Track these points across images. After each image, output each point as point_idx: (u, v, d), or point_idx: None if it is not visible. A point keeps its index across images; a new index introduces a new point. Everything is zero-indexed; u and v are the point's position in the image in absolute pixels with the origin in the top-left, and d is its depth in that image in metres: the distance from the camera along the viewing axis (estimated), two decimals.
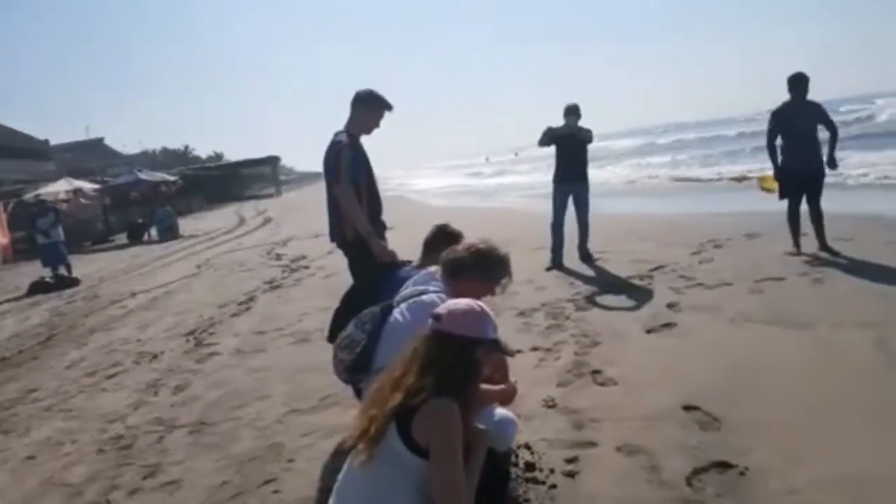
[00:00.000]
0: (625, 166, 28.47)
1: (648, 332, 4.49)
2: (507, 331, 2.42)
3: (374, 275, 3.35)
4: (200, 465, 3.31)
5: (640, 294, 5.48)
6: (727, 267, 5.98)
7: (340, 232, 3.92)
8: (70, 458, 3.68)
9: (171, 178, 27.95)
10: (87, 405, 4.59)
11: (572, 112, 6.99)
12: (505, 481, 2.43)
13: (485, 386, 2.25)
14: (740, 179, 15.48)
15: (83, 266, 13.99)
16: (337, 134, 3.92)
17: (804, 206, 6.23)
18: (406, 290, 2.70)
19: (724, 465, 2.61)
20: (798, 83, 6.13)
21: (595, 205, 7.39)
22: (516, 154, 62.63)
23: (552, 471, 2.71)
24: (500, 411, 2.34)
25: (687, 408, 3.16)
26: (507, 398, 2.43)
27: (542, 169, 26.24)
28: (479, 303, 2.01)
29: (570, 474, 2.69)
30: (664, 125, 79.05)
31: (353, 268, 3.97)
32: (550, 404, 3.41)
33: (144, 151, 67.58)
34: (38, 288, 11.36)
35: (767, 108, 6.77)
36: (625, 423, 3.10)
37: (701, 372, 3.62)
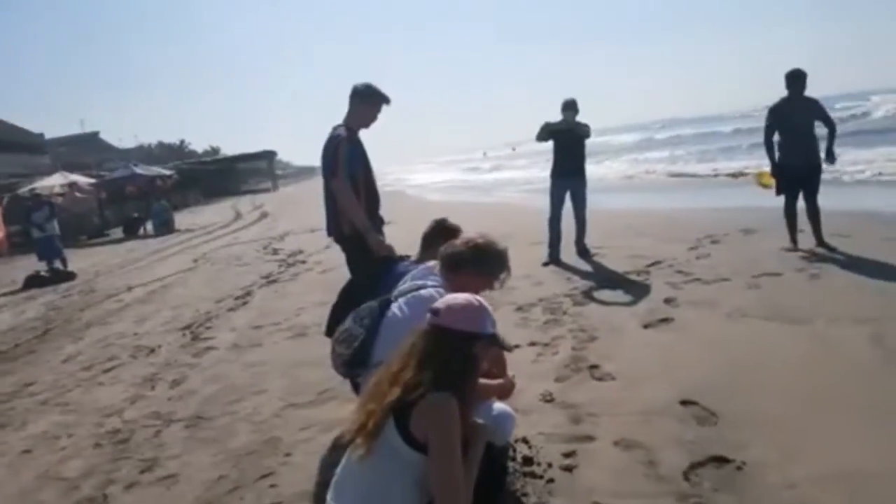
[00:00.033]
0: (622, 161, 28.50)
1: (646, 327, 4.49)
2: (504, 325, 2.42)
3: (372, 269, 3.34)
4: (197, 459, 3.30)
5: (637, 289, 5.49)
6: (724, 262, 5.99)
7: (338, 226, 3.91)
8: (66, 452, 3.67)
9: (167, 173, 27.88)
10: (84, 399, 4.58)
11: (570, 107, 6.97)
12: (503, 475, 2.43)
13: (483, 380, 2.25)
14: (736, 175, 15.50)
15: (79, 260, 13.95)
16: (335, 128, 3.90)
17: (801, 203, 6.24)
18: (404, 284, 2.69)
19: (721, 460, 2.62)
20: (796, 79, 6.13)
21: (592, 200, 7.39)
22: (513, 149, 62.64)
23: (550, 465, 2.71)
24: (499, 406, 2.34)
25: (684, 402, 3.17)
26: (505, 393, 2.43)
27: (539, 164, 26.22)
28: (478, 297, 2.01)
29: (568, 468, 2.69)
30: (661, 121, 79.05)
31: (351, 262, 3.96)
32: (548, 399, 3.41)
33: (140, 146, 67.27)
34: (33, 282, 11.33)
35: (764, 104, 6.78)
36: (622, 417, 3.11)
37: (698, 367, 3.63)
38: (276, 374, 4.48)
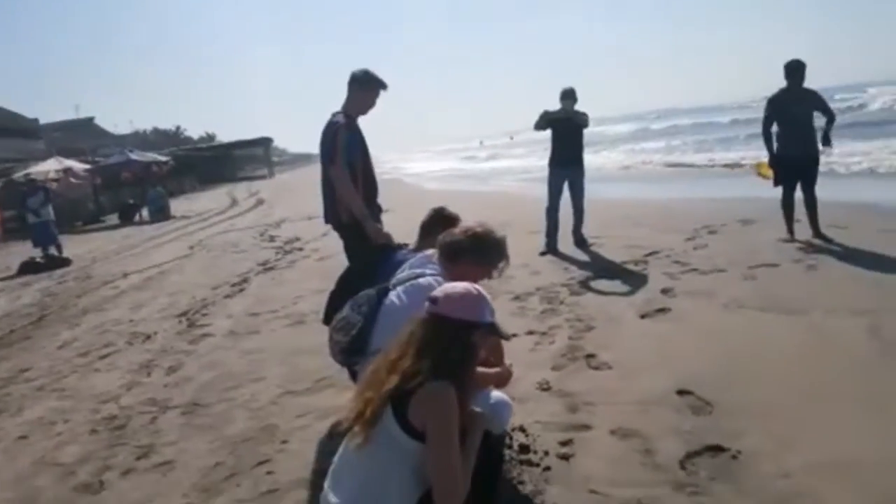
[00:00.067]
0: (619, 152, 28.45)
1: (642, 317, 4.50)
2: (502, 314, 2.41)
3: (370, 257, 3.33)
4: (194, 446, 3.30)
5: (634, 279, 5.49)
6: (721, 253, 5.99)
7: (335, 214, 3.90)
8: (63, 437, 3.67)
9: (163, 159, 27.73)
10: (80, 385, 4.58)
11: (568, 96, 6.94)
12: (500, 463, 2.43)
13: (480, 369, 2.25)
14: (733, 166, 15.50)
15: (74, 246, 13.89)
16: (334, 114, 3.88)
17: (798, 194, 6.24)
18: (402, 273, 2.68)
19: (717, 449, 2.63)
20: (795, 70, 6.12)
21: (590, 190, 7.38)
22: (511, 138, 62.49)
23: (546, 453, 2.72)
24: (496, 394, 2.33)
25: (680, 392, 3.18)
26: (502, 381, 2.43)
27: (537, 153, 26.17)
28: (477, 286, 2.00)
29: (565, 457, 2.70)
30: (657, 111, 78.90)
31: (349, 250, 3.95)
32: (545, 387, 3.42)
33: (135, 131, 66.89)
34: (28, 268, 11.28)
35: (763, 95, 6.76)
36: (619, 406, 3.12)
37: (694, 357, 3.64)
38: (274, 361, 4.48)
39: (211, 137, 74.30)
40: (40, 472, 3.26)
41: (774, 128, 6.27)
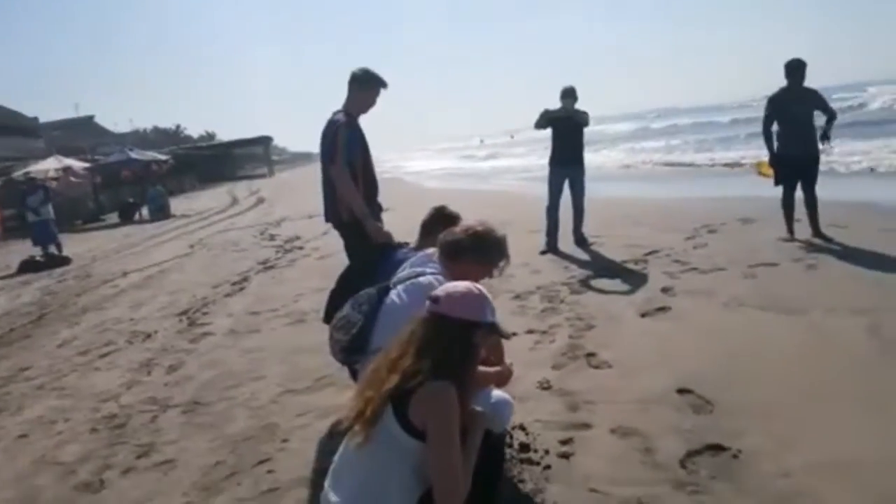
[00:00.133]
0: (619, 151, 28.44)
1: (643, 315, 4.50)
2: (502, 313, 2.41)
3: (371, 256, 3.33)
4: (194, 444, 3.30)
5: (634, 278, 5.49)
6: (721, 252, 5.99)
7: (336, 213, 3.90)
8: (63, 436, 3.67)
9: (163, 158, 27.71)
10: (80, 384, 4.58)
11: (569, 95, 6.93)
12: (501, 462, 2.43)
13: (481, 368, 2.25)
14: (733, 165, 15.50)
15: (74, 245, 13.89)
16: (335, 113, 3.88)
17: (799, 193, 6.24)
18: (403, 271, 2.68)
19: (717, 448, 2.63)
20: (796, 69, 6.11)
21: (590, 189, 7.38)
22: (512, 136, 62.46)
23: (547, 452, 2.72)
24: (497, 393, 2.34)
25: (681, 391, 3.18)
26: (502, 380, 2.42)
27: (537, 151, 26.15)
28: (478, 286, 2.00)
29: (565, 455, 2.70)
30: (657, 110, 78.83)
31: (349, 248, 3.95)
32: (545, 386, 3.42)
33: (135, 130, 66.86)
34: (28, 266, 11.27)
35: (763, 94, 6.76)
36: (619, 405, 3.12)
37: (695, 356, 3.64)
38: (274, 360, 4.48)
39: (211, 136, 74.31)
40: (40, 471, 3.26)
41: (775, 127, 6.27)
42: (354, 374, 2.72)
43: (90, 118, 52.37)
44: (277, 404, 3.68)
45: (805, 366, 3.38)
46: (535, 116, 7.04)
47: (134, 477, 3.06)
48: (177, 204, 23.20)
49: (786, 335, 3.84)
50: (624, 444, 2.76)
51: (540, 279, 5.77)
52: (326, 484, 1.95)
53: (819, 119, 6.19)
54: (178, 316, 6.23)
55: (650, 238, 6.93)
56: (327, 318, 2.95)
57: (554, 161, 7.18)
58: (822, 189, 6.27)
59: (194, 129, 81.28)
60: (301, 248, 9.70)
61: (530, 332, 4.35)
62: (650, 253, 6.26)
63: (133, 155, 25.01)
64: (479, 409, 2.03)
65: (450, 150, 63.19)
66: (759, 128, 6.40)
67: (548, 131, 7.13)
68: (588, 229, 7.28)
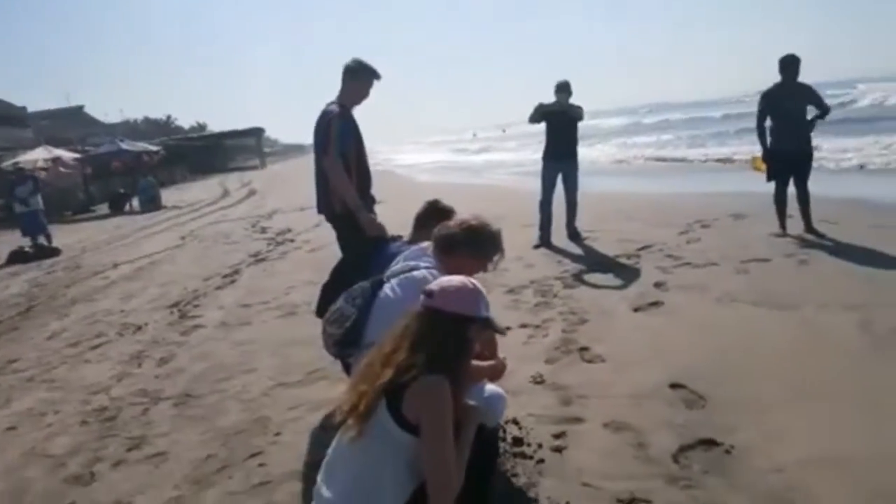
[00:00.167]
0: (611, 145, 28.46)
1: (636, 310, 4.51)
2: (496, 307, 2.39)
3: (363, 248, 3.31)
4: (186, 437, 3.28)
5: (627, 273, 5.50)
6: (714, 247, 6.01)
7: (328, 205, 3.87)
8: (53, 429, 3.64)
9: (154, 149, 27.53)
10: (70, 376, 4.54)
11: (563, 89, 6.92)
12: (494, 457, 2.43)
13: (474, 362, 2.24)
14: (725, 161, 15.55)
15: (64, 236, 13.77)
16: (328, 104, 3.84)
17: (791, 188, 6.27)
18: (397, 265, 2.66)
19: (710, 443, 2.64)
20: (789, 65, 6.12)
21: (583, 183, 7.37)
22: (504, 131, 62.41)
23: (540, 445, 2.73)
24: (490, 387, 2.33)
25: (673, 386, 3.19)
26: (496, 374, 2.42)
27: (530, 146, 26.15)
28: (472, 280, 1.99)
29: (558, 449, 2.70)
30: (649, 105, 78.96)
31: (342, 241, 3.93)
32: (538, 380, 3.42)
33: (126, 121, 66.31)
34: (16, 258, 11.17)
35: (756, 90, 6.77)
36: (612, 399, 3.12)
37: (687, 351, 3.65)
38: (266, 352, 4.46)
39: (202, 127, 73.79)
40: (30, 464, 3.23)
41: (768, 122, 6.28)
42: (347, 368, 2.70)
43: (80, 108, 51.83)
44: (269, 397, 3.66)
45: (797, 361, 3.40)
46: (529, 111, 7.03)
47: (125, 470, 3.04)
48: (168, 195, 23.02)
49: (778, 330, 3.86)
50: (617, 438, 2.76)
51: (533, 273, 5.77)
52: (319, 478, 1.94)
53: (813, 114, 6.20)
54: (169, 308, 6.19)
55: (643, 233, 6.94)
56: (320, 311, 2.93)
57: (548, 155, 7.17)
58: (813, 185, 6.30)
59: (185, 120, 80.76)
60: (292, 240, 9.66)
61: (523, 326, 4.35)
62: (643, 248, 6.28)
63: (123, 146, 24.82)
64: (472, 403, 2.03)
65: (443, 144, 63.06)
66: (751, 123, 6.42)
67: (541, 125, 7.11)
68: (581, 224, 7.28)
